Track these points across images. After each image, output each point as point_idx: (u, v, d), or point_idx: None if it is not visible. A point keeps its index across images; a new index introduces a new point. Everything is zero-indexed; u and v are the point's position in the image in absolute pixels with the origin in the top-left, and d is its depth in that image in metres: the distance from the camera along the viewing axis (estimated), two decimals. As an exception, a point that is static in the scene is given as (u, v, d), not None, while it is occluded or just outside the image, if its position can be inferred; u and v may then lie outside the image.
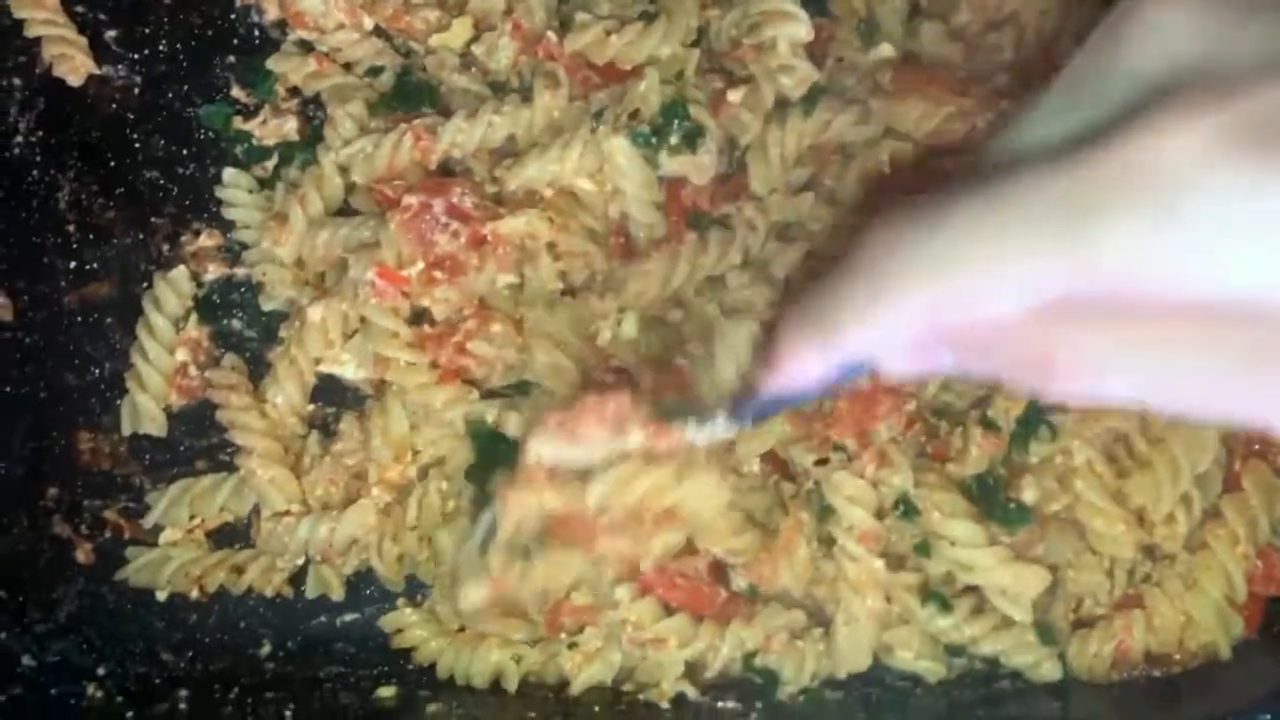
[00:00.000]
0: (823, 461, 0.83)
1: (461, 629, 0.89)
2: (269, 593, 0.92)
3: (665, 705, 0.84)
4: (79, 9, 0.98)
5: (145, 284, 0.96)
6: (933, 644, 0.84)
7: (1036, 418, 0.83)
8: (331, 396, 0.94)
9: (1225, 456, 0.84)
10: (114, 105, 0.98)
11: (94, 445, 0.95)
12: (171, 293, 0.95)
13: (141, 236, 0.97)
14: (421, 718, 0.86)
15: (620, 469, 0.72)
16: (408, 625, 0.90)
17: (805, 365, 0.59)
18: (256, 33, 0.99)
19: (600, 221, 0.89)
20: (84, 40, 0.97)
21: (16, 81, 0.97)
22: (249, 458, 0.90)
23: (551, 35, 0.91)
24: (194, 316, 0.95)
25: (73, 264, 0.96)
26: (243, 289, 0.96)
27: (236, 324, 0.96)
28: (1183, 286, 0.44)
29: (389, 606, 0.91)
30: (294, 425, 0.92)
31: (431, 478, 0.89)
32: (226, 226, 0.96)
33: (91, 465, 0.95)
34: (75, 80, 0.97)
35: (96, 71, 0.98)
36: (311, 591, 0.91)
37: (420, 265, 0.86)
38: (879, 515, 0.82)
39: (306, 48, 0.97)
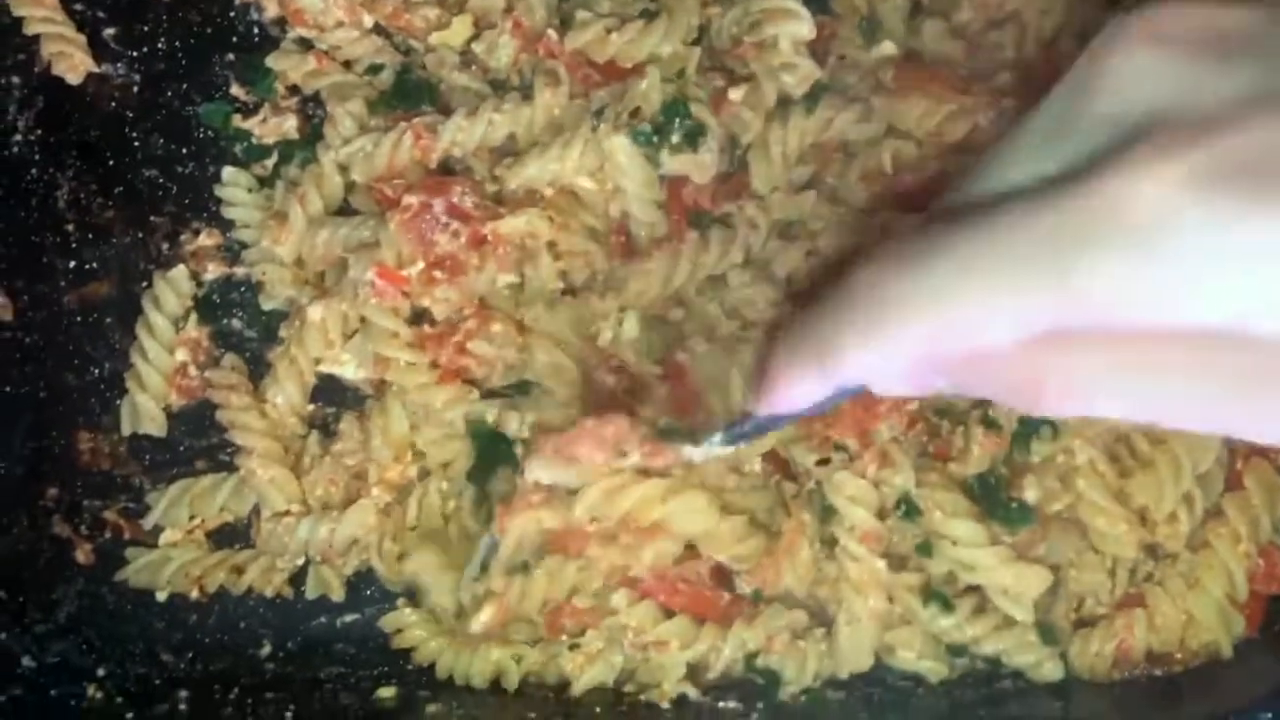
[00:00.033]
0: (824, 461, 0.82)
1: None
2: (269, 593, 0.91)
3: (666, 706, 0.84)
4: (78, 7, 0.97)
5: (145, 283, 0.96)
6: (934, 644, 0.84)
7: (1038, 417, 0.82)
8: (331, 396, 0.93)
9: (1227, 455, 0.84)
10: (113, 103, 0.98)
11: (94, 445, 0.94)
12: (171, 292, 0.94)
13: (141, 235, 0.97)
14: (421, 718, 0.85)
15: (608, 481, 0.72)
16: (408, 625, 0.89)
17: (803, 388, 0.61)
18: (256, 30, 0.99)
19: (601, 220, 0.89)
20: (83, 38, 0.97)
21: (15, 80, 0.97)
22: (249, 458, 0.90)
23: (552, 33, 0.91)
24: (194, 316, 0.95)
25: (72, 263, 0.96)
26: (242, 288, 0.96)
27: (236, 324, 0.96)
28: (1168, 317, 0.46)
29: (389, 607, 0.90)
30: (294, 425, 0.92)
31: (432, 478, 0.88)
32: (226, 225, 0.96)
33: (91, 465, 0.94)
34: (74, 78, 0.97)
35: (95, 70, 0.97)
36: (311, 592, 0.91)
37: (420, 265, 0.86)
38: (881, 515, 0.82)
39: (306, 45, 0.97)
